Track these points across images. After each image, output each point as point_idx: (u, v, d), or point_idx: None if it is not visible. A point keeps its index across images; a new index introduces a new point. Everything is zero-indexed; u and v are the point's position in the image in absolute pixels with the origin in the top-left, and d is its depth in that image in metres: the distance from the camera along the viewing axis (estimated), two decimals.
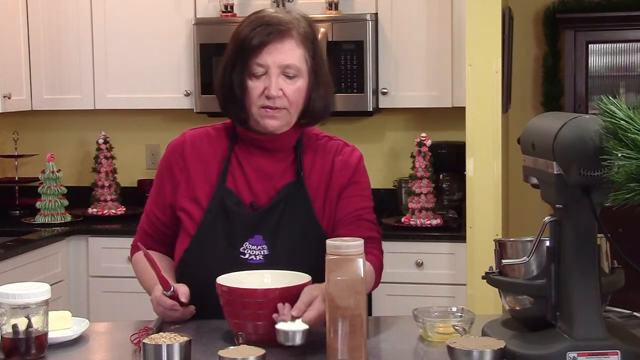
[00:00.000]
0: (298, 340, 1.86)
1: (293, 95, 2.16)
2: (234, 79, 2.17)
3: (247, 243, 2.16)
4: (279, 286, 1.98)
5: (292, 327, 1.86)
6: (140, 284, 2.33)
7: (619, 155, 1.55)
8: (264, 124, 2.17)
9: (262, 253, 2.15)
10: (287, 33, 2.15)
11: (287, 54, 2.15)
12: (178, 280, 2.28)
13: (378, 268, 2.20)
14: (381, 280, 3.47)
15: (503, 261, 1.87)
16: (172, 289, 2.09)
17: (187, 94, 4.32)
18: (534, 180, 1.86)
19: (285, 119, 2.18)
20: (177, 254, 2.24)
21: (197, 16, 4.30)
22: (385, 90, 4.17)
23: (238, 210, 2.18)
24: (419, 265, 3.92)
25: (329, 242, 1.79)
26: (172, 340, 1.76)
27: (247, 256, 2.15)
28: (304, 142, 2.27)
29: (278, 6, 4.14)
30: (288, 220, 2.07)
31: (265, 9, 2.23)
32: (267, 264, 2.14)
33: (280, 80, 2.14)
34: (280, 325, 1.87)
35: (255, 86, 2.15)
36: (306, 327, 1.86)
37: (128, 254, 4.26)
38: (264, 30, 2.14)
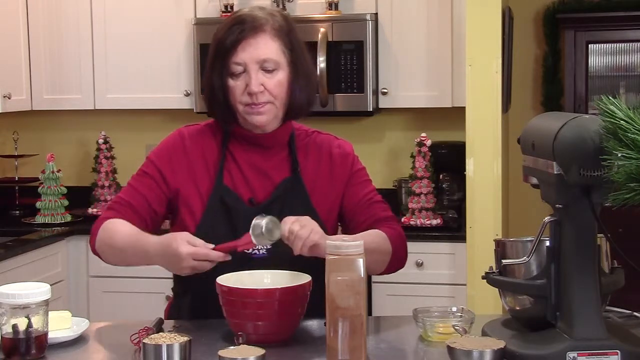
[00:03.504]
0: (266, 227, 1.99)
1: (275, 89, 2.18)
2: (215, 81, 2.21)
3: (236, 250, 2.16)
4: (279, 286, 1.98)
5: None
6: (119, 244, 2.18)
7: (619, 155, 1.55)
8: (251, 120, 2.20)
9: (265, 247, 2.16)
10: (260, 28, 2.18)
11: (262, 48, 2.17)
12: (179, 280, 2.29)
13: (402, 241, 2.27)
14: (382, 280, 3.49)
15: (503, 261, 1.87)
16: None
17: (187, 94, 4.33)
18: (534, 180, 1.86)
19: (272, 113, 2.20)
20: None
21: (197, 16, 4.30)
22: (385, 90, 4.17)
23: (238, 206, 2.19)
24: (419, 265, 3.92)
25: (329, 242, 1.79)
26: (172, 340, 1.76)
27: (250, 250, 2.15)
28: (296, 138, 2.29)
29: (278, 6, 4.15)
30: (288, 214, 2.08)
31: (242, 9, 2.27)
32: (271, 257, 2.15)
33: (260, 75, 2.17)
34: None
35: (236, 85, 2.18)
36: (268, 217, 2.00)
37: None
38: (237, 29, 2.18)
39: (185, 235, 2.02)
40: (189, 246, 2.00)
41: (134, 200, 2.24)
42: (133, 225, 2.19)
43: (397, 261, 2.26)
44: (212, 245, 2.01)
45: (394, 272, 2.30)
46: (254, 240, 2.00)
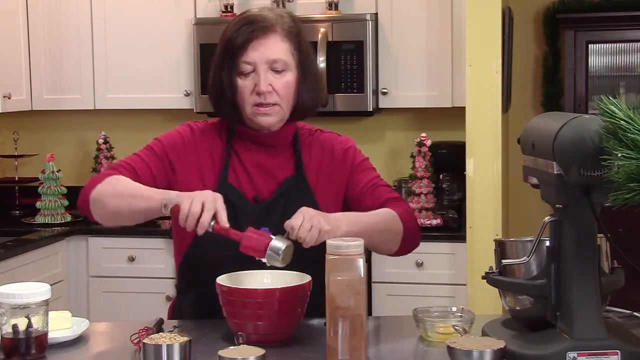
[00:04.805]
0: (281, 247, 1.95)
1: (283, 90, 2.18)
2: (224, 80, 2.20)
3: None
4: (279, 286, 1.98)
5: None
6: (131, 186, 2.13)
7: (619, 155, 1.55)
8: (258, 122, 2.20)
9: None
10: (271, 29, 2.18)
11: (272, 48, 2.18)
12: (183, 276, 2.29)
13: (412, 218, 2.26)
14: (382, 280, 3.47)
15: (503, 261, 1.87)
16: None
17: (187, 94, 4.33)
18: (534, 180, 1.86)
19: (279, 115, 2.20)
20: (179, 249, 2.25)
21: (197, 16, 4.30)
22: (385, 90, 4.18)
23: (242, 204, 2.19)
24: (419, 265, 3.92)
25: (329, 242, 1.79)
26: (172, 340, 1.76)
27: None
28: (300, 137, 2.29)
29: (278, 6, 4.15)
30: (292, 211, 2.08)
31: (251, 9, 2.27)
32: None
33: (269, 76, 2.18)
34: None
35: (245, 84, 2.18)
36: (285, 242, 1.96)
37: (128, 254, 4.29)
38: (247, 29, 2.18)
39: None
40: (220, 198, 1.98)
41: (139, 169, 2.21)
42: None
43: (409, 240, 2.24)
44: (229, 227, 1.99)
45: (407, 252, 2.27)
46: (265, 259, 1.98)
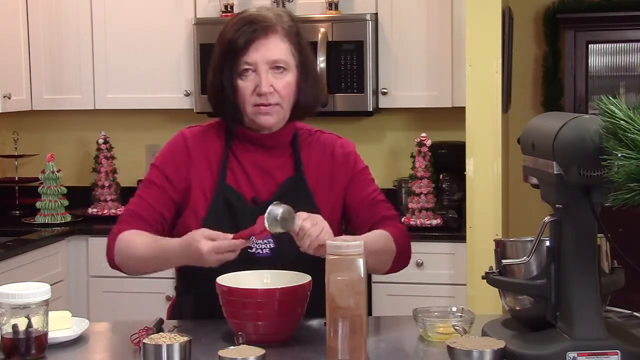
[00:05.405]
0: (280, 213, 1.97)
1: (284, 90, 2.19)
2: (224, 81, 2.20)
3: (253, 237, 2.16)
4: (279, 286, 1.98)
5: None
6: (140, 254, 2.19)
7: (619, 155, 1.55)
8: (259, 121, 2.20)
9: (269, 246, 2.17)
10: (271, 29, 2.18)
11: (274, 49, 2.18)
12: (182, 278, 2.29)
13: (406, 239, 2.28)
14: (382, 280, 3.48)
15: (503, 261, 1.87)
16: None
17: (187, 94, 4.33)
18: (534, 180, 1.86)
19: (279, 115, 2.21)
20: None
21: (197, 16, 4.30)
22: (385, 90, 4.18)
23: (241, 205, 2.19)
24: (419, 265, 3.92)
25: (329, 242, 1.79)
26: (172, 340, 1.76)
27: (254, 250, 2.16)
28: (299, 138, 2.29)
29: (278, 6, 4.15)
30: None
31: (249, 9, 2.27)
32: (275, 256, 2.15)
33: (270, 76, 2.18)
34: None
35: (245, 85, 2.18)
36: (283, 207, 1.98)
37: None
38: (248, 29, 2.18)
39: (203, 232, 2.02)
40: (209, 242, 2.00)
41: (143, 211, 2.24)
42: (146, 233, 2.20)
43: (401, 259, 2.26)
44: (231, 235, 2.01)
45: (398, 270, 2.30)
46: (267, 226, 1.98)
